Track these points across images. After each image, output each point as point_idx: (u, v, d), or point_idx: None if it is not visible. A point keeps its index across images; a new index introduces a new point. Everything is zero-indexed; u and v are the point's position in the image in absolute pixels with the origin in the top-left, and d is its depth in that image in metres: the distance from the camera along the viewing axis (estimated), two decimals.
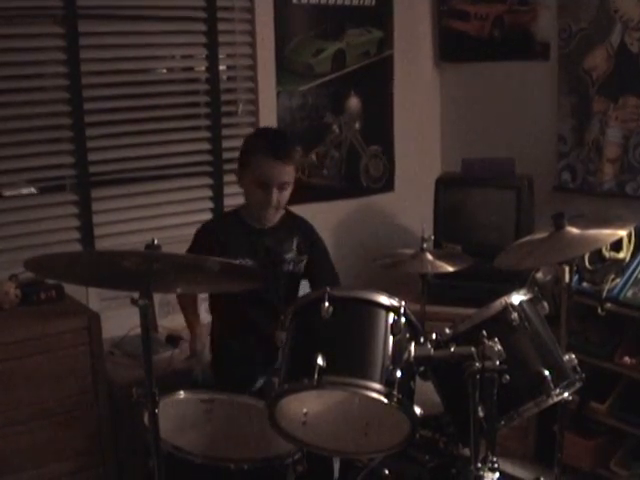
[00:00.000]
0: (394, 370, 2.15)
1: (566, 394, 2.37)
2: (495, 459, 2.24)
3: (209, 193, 4.20)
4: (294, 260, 3.22)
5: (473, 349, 2.18)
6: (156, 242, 2.08)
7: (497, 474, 2.23)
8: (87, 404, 3.32)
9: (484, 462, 2.23)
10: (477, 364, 2.16)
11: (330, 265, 3.35)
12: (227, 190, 4.21)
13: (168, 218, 4.07)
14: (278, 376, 2.24)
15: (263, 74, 4.26)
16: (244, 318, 3.15)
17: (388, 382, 2.13)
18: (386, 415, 2.22)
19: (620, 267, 3.61)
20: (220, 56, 4.14)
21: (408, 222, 4.71)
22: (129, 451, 3.42)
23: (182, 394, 2.63)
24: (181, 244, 3.73)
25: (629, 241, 3.63)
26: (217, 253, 2.97)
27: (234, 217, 3.22)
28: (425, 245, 3.30)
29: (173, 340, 3.78)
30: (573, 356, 2.45)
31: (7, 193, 3.75)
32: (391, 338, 2.23)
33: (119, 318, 3.63)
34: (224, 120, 4.21)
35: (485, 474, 2.22)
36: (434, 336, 2.36)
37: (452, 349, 2.26)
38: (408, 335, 2.29)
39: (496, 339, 2.19)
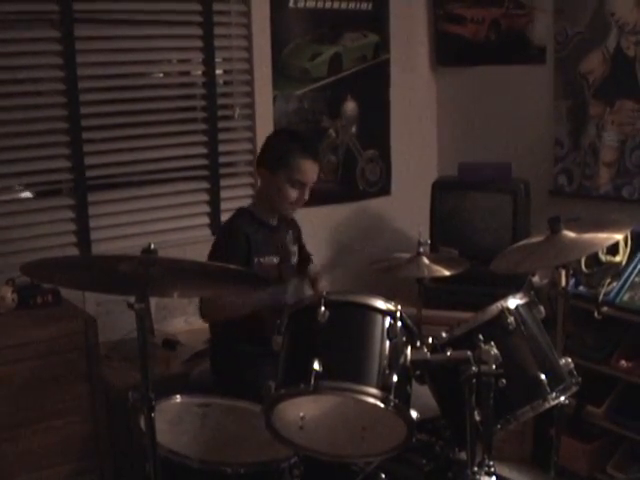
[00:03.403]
0: (390, 374, 2.15)
1: (562, 398, 2.37)
2: (491, 463, 2.24)
3: (206, 197, 4.20)
4: (295, 252, 3.38)
5: (469, 353, 2.19)
6: (152, 246, 2.08)
7: (494, 478, 2.23)
8: (84, 408, 3.31)
9: (480, 466, 2.23)
10: (473, 368, 2.16)
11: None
12: (224, 194, 4.21)
13: (165, 222, 4.07)
14: (274, 380, 2.24)
15: (259, 78, 4.26)
16: (254, 319, 3.15)
17: (384, 387, 2.14)
18: (383, 419, 2.22)
19: (616, 271, 3.61)
20: (217, 60, 4.15)
21: (404, 226, 4.72)
22: (126, 455, 3.41)
23: (178, 398, 2.64)
24: (178, 248, 3.75)
25: (625, 245, 3.63)
26: (246, 251, 3.12)
27: (250, 215, 3.25)
28: (421, 249, 3.30)
29: (170, 344, 3.78)
30: (569, 360, 2.45)
31: (3, 197, 3.75)
32: (387, 342, 2.23)
33: (116, 322, 3.64)
34: (221, 124, 4.21)
35: (482, 478, 2.22)
36: (430, 340, 2.36)
37: (448, 353, 2.26)
38: (404, 339, 2.29)
39: (492, 343, 2.19)
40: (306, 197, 3.22)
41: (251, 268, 3.08)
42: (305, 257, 3.53)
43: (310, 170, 3.18)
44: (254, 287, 2.66)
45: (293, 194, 3.17)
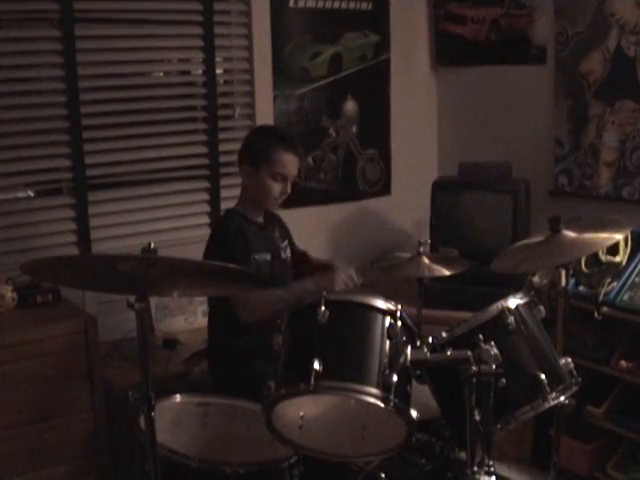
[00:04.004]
0: (390, 374, 2.15)
1: (562, 398, 2.37)
2: (491, 463, 2.24)
3: (206, 196, 4.20)
4: (283, 247, 3.39)
5: (469, 353, 2.19)
6: (153, 245, 2.08)
7: (493, 478, 2.23)
8: (83, 408, 3.31)
9: (480, 466, 2.23)
10: (473, 368, 2.16)
11: None
12: (224, 193, 4.21)
13: (165, 221, 4.07)
14: (274, 380, 2.24)
15: (260, 78, 4.26)
16: None
17: (385, 386, 2.14)
18: (383, 419, 2.22)
19: (616, 271, 3.61)
20: (217, 59, 4.14)
21: (405, 226, 4.72)
22: (125, 454, 3.41)
23: (178, 398, 2.64)
24: (178, 247, 3.74)
25: (625, 245, 3.63)
26: (245, 250, 3.15)
27: (238, 216, 3.28)
28: (422, 249, 3.30)
29: (170, 343, 3.78)
30: (569, 360, 2.45)
31: (3, 196, 3.75)
32: (387, 342, 2.23)
33: (116, 321, 3.64)
34: (221, 124, 4.21)
35: (481, 478, 2.22)
36: (430, 340, 2.36)
37: (448, 353, 2.26)
38: (404, 339, 2.29)
39: (492, 343, 2.19)
40: (288, 190, 3.25)
41: (251, 266, 3.10)
42: (301, 254, 3.54)
43: (291, 163, 3.22)
44: (253, 285, 2.66)
45: (276, 188, 3.21)
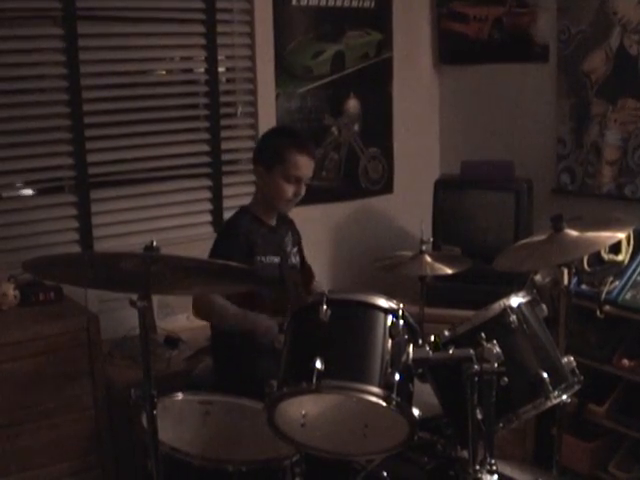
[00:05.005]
0: (393, 373, 2.15)
1: (564, 396, 2.37)
2: (493, 461, 2.24)
3: (208, 195, 4.20)
4: (294, 253, 3.39)
5: (472, 351, 2.19)
6: (155, 244, 2.08)
7: (495, 476, 2.23)
8: (85, 405, 3.31)
9: (482, 464, 2.23)
10: (476, 366, 2.16)
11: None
12: (226, 192, 4.21)
13: (167, 220, 4.07)
14: (277, 379, 2.24)
15: (262, 76, 4.26)
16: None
17: (387, 385, 2.14)
18: (385, 418, 2.22)
19: (619, 269, 3.61)
20: (219, 58, 4.15)
21: (407, 224, 4.71)
22: (127, 453, 3.41)
23: (180, 396, 2.63)
24: (180, 246, 3.74)
25: (628, 243, 3.63)
26: (247, 251, 3.14)
27: (249, 215, 3.28)
28: (424, 247, 3.31)
29: (172, 342, 3.78)
30: (572, 358, 2.45)
31: (6, 194, 3.75)
32: (390, 341, 2.23)
33: (118, 319, 3.64)
34: (223, 122, 4.21)
35: (483, 476, 2.22)
36: (433, 338, 2.36)
37: (451, 351, 2.26)
38: (407, 337, 2.29)
39: (495, 341, 2.19)
40: (302, 193, 3.25)
41: (253, 266, 3.09)
42: (307, 271, 3.55)
43: (305, 165, 3.21)
44: (255, 285, 2.66)
45: (289, 190, 3.20)
